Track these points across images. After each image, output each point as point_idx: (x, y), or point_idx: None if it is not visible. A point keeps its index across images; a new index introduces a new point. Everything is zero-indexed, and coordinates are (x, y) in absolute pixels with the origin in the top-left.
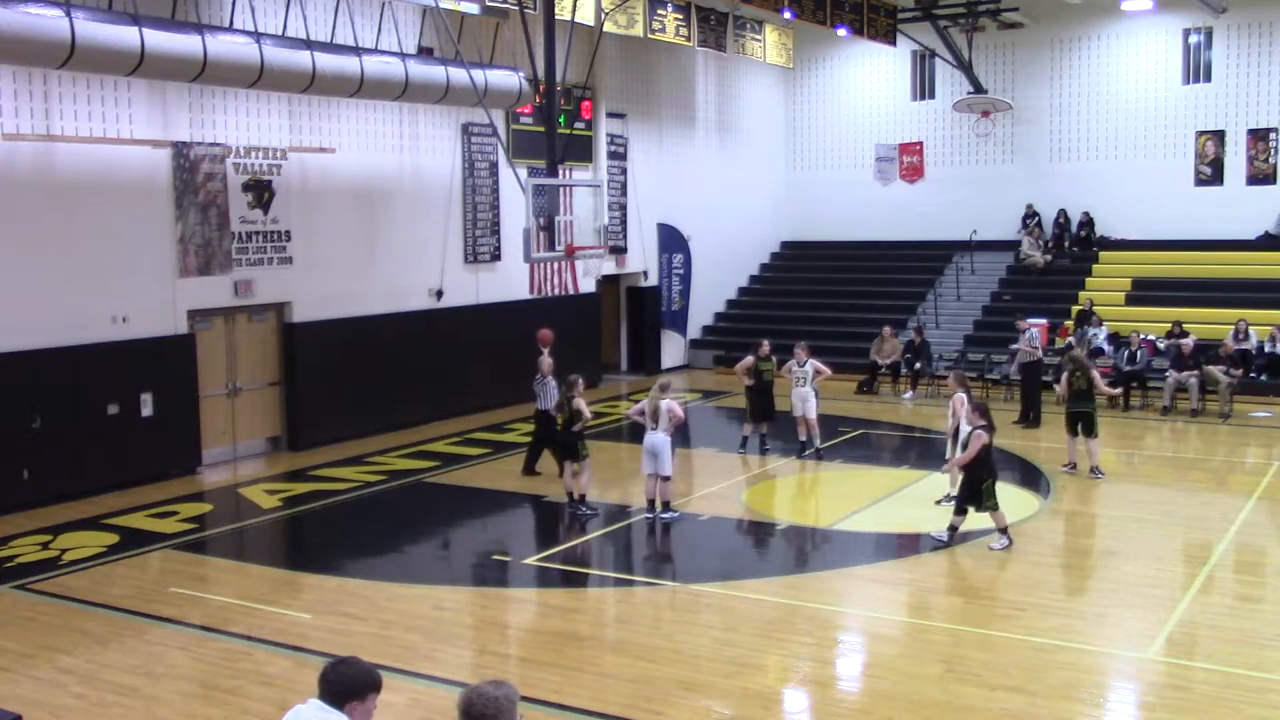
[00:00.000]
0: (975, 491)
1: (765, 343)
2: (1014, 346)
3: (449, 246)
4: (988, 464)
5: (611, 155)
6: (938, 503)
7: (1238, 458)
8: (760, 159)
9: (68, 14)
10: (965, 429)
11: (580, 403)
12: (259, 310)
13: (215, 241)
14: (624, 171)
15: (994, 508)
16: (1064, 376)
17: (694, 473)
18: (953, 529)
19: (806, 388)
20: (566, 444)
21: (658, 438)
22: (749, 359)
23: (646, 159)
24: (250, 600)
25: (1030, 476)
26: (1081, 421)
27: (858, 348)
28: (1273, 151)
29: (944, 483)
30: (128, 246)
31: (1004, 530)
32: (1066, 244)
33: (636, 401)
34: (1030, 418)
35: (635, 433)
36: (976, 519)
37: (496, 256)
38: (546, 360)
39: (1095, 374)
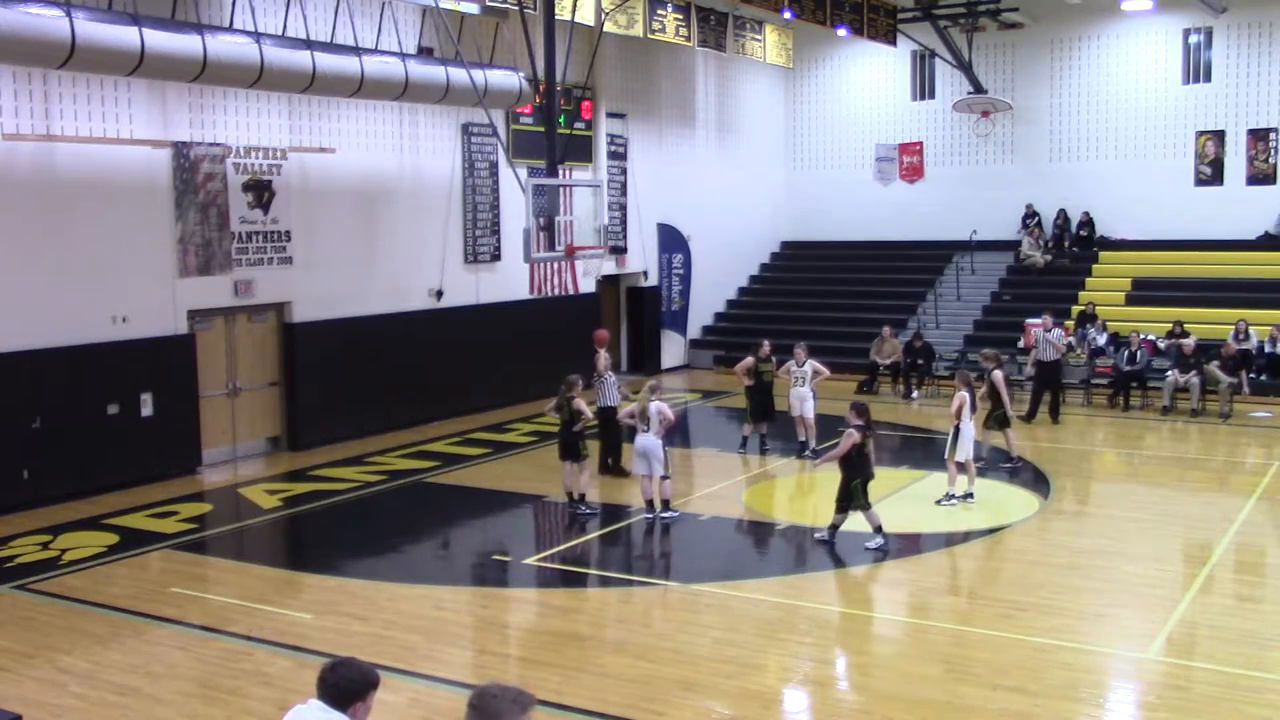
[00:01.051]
0: (845, 491)
1: (765, 343)
2: (1045, 338)
3: (449, 246)
4: (857, 464)
5: (611, 155)
6: (938, 503)
7: (1238, 458)
8: (760, 159)
9: (68, 14)
10: (965, 426)
11: (580, 403)
12: (259, 310)
13: (215, 241)
14: (624, 171)
15: (865, 507)
16: (1000, 377)
17: (694, 473)
18: (834, 527)
19: (805, 388)
20: (567, 444)
21: (649, 440)
22: (749, 359)
23: (646, 159)
24: (250, 600)
25: (1031, 476)
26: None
27: (858, 348)
28: (1273, 151)
29: (942, 482)
30: (128, 246)
31: (879, 530)
32: (1066, 244)
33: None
34: (1052, 415)
35: (635, 433)
36: (974, 520)
37: (496, 256)
38: (604, 358)
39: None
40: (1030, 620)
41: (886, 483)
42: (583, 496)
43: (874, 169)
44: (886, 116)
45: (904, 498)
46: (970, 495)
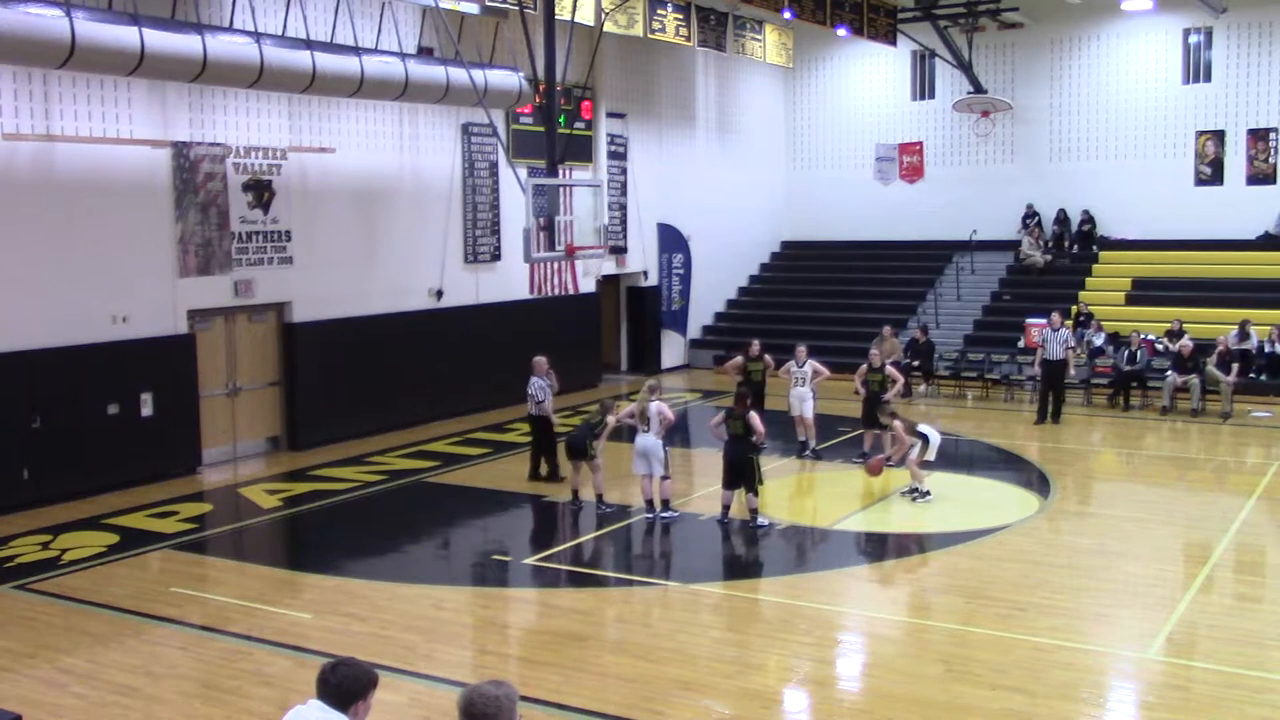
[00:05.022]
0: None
1: (755, 343)
2: (1053, 338)
3: (449, 246)
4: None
5: (611, 155)
6: (903, 493)
7: (1238, 458)
8: (760, 159)
9: (68, 14)
10: (929, 432)
11: (611, 419)
12: (259, 310)
13: (215, 241)
14: (624, 171)
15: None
16: (900, 428)
17: (694, 473)
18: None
19: (805, 388)
20: (573, 445)
21: (649, 440)
22: (738, 358)
23: (646, 159)
24: (250, 600)
25: (1032, 477)
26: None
27: (858, 348)
28: (1273, 151)
29: (941, 481)
30: (128, 246)
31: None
32: (1066, 244)
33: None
34: (1054, 416)
35: (635, 434)
36: (974, 520)
37: (496, 256)
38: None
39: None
40: (1030, 620)
41: (886, 482)
42: (600, 496)
43: (874, 169)
44: (886, 116)
45: (903, 497)
46: (920, 492)
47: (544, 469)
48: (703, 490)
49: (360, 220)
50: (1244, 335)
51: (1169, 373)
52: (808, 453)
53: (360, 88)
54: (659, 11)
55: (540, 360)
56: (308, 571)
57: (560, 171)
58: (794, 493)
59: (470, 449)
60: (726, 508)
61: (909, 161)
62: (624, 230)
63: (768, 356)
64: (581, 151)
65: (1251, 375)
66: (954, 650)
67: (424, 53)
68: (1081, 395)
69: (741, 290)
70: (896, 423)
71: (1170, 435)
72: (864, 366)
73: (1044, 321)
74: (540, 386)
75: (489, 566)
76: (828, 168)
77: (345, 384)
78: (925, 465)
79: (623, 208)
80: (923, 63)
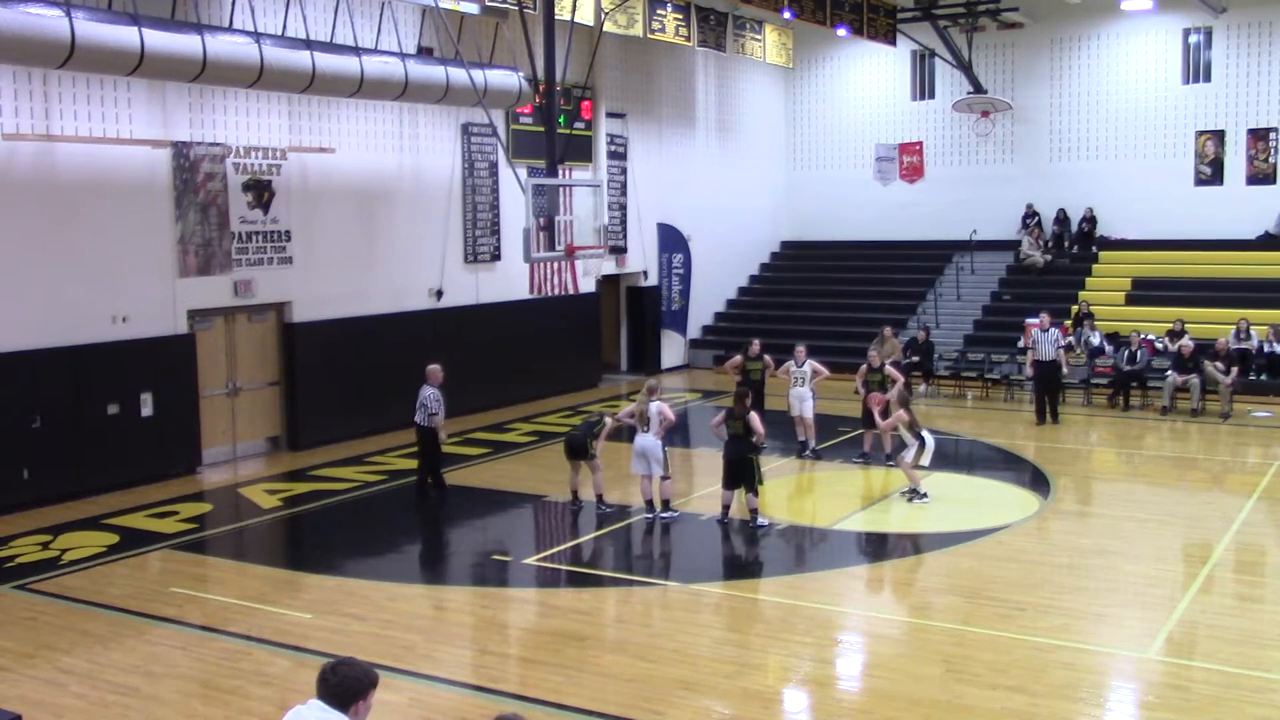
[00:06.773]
0: None
1: (756, 342)
2: (1043, 338)
3: (449, 246)
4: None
5: (611, 155)
6: (902, 493)
7: (1238, 458)
8: (760, 159)
9: (68, 14)
10: (925, 434)
11: (610, 421)
12: (259, 310)
13: (215, 241)
14: (624, 171)
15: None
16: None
17: (694, 473)
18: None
19: (804, 388)
20: (574, 445)
21: (648, 440)
22: (738, 357)
23: (646, 159)
24: (250, 600)
25: (1032, 476)
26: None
27: (858, 348)
28: (1273, 151)
29: (939, 481)
30: (128, 246)
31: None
32: (1066, 244)
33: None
34: (1052, 416)
35: (634, 434)
36: (974, 520)
37: (496, 256)
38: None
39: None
40: (1030, 620)
41: (885, 482)
42: (600, 496)
43: (874, 169)
44: (886, 116)
45: (901, 498)
46: (918, 494)
47: (430, 480)
48: (703, 490)
49: (360, 220)
50: (1244, 335)
51: (1169, 373)
52: (808, 453)
53: (360, 88)
54: (659, 11)
55: (435, 369)
56: (308, 571)
57: (560, 171)
58: (794, 493)
59: (470, 449)
60: (726, 508)
61: (909, 161)
62: (624, 230)
63: (767, 356)
64: (581, 151)
65: (1251, 375)
66: (954, 650)
67: (424, 53)
68: (1081, 395)
69: (741, 290)
70: (902, 412)
71: (1170, 435)
72: (864, 367)
73: (1037, 322)
74: (434, 397)
75: (489, 566)
76: (828, 168)
77: (345, 384)
78: (919, 468)
79: (623, 208)
80: (923, 63)
